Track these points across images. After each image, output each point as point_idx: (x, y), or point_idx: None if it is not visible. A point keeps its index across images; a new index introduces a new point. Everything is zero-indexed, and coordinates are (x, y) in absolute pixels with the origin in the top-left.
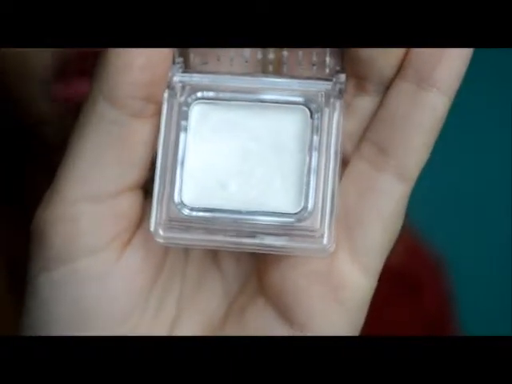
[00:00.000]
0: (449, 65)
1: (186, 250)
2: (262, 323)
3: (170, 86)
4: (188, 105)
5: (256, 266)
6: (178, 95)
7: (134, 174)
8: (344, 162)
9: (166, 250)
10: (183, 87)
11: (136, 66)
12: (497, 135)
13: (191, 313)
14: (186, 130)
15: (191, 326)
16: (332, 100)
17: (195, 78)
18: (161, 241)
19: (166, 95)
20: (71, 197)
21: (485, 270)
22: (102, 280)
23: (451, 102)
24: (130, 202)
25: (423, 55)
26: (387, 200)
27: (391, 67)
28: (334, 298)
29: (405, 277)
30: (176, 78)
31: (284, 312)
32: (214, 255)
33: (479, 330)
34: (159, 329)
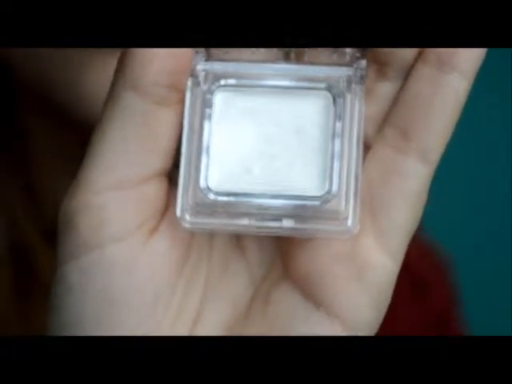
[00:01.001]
0: (469, 49)
1: (211, 237)
2: (288, 306)
3: (193, 74)
4: (211, 92)
5: (280, 251)
6: (202, 83)
7: (159, 161)
8: (367, 146)
9: (192, 237)
10: (206, 75)
11: (160, 55)
12: (501, 136)
13: (217, 299)
14: (209, 117)
15: (217, 312)
16: (353, 86)
17: (218, 66)
18: (187, 226)
19: (189, 83)
20: (98, 185)
21: (490, 270)
22: (129, 267)
23: (471, 85)
24: (155, 189)
25: None
26: (411, 182)
27: (412, 52)
28: (358, 279)
29: (411, 277)
30: (199, 67)
31: (309, 294)
32: (237, 241)
33: (484, 329)
34: (186, 317)
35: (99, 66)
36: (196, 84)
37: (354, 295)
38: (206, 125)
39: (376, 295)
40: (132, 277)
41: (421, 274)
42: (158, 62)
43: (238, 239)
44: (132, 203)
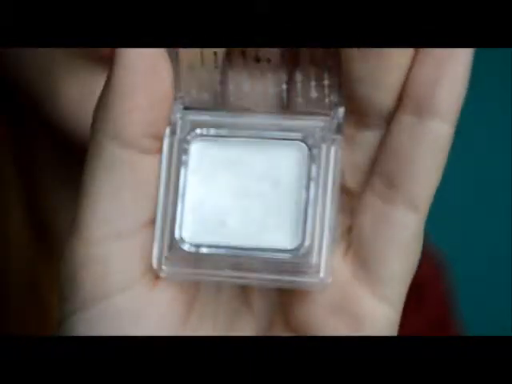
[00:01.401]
0: (447, 90)
1: (217, 289)
2: None
3: (170, 123)
4: (188, 142)
5: (281, 302)
6: (179, 132)
7: (151, 208)
8: (355, 195)
9: (197, 286)
10: (183, 124)
11: (142, 106)
12: (497, 137)
13: None
14: (186, 166)
15: None
16: (330, 135)
17: (194, 115)
18: (163, 276)
19: (167, 131)
20: (97, 237)
21: (486, 270)
22: (136, 316)
23: (454, 126)
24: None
25: (420, 84)
26: (402, 232)
27: (389, 101)
28: (357, 330)
29: None
30: (176, 115)
31: None
32: (243, 292)
33: (480, 330)
34: None
35: (78, 81)
36: (173, 132)
37: None
38: (182, 174)
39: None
40: (139, 326)
41: (416, 274)
42: (140, 115)
43: (243, 290)
44: (134, 251)
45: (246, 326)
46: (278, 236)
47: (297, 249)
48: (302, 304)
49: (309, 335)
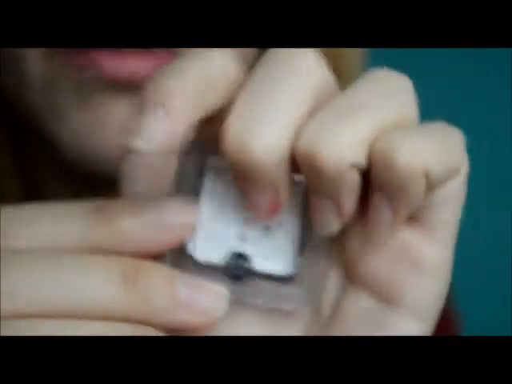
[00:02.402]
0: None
1: None
2: (360, 313)
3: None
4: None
5: (341, 261)
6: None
7: None
8: None
9: None
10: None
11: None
12: (497, 136)
13: None
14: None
15: None
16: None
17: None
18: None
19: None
20: None
21: (486, 270)
22: None
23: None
24: None
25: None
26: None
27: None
28: (418, 270)
29: None
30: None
31: (381, 296)
32: None
33: (480, 330)
34: None
35: (87, 107)
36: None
37: (420, 286)
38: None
39: (438, 281)
40: None
41: None
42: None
43: None
44: None
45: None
46: (270, 263)
47: (288, 275)
48: (366, 260)
49: (376, 285)
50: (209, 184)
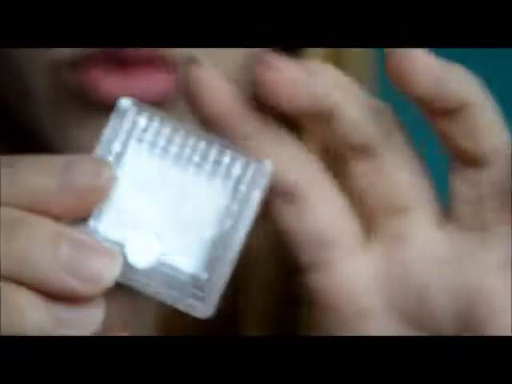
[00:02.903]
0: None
1: None
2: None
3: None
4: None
5: None
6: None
7: None
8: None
9: None
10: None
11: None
12: None
13: None
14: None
15: None
16: (260, 181)
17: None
18: None
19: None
20: None
21: None
22: None
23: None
24: None
25: None
26: None
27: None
28: None
29: None
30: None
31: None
32: None
33: None
34: None
35: (87, 126)
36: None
37: None
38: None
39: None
40: None
41: None
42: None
43: None
44: None
45: None
46: (179, 258)
47: (194, 275)
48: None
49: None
50: (132, 154)
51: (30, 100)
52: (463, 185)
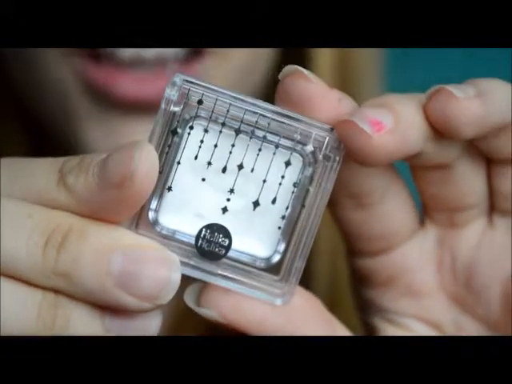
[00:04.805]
0: None
1: None
2: None
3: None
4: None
5: None
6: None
7: None
8: None
9: None
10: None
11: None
12: None
13: None
14: (177, 148)
15: None
16: (333, 152)
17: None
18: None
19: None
20: None
21: None
22: None
23: None
24: None
25: None
26: None
27: None
28: None
29: None
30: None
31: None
32: None
33: None
34: None
35: (100, 122)
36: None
37: None
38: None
39: None
40: None
41: None
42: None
43: None
44: None
45: None
46: (252, 242)
47: (268, 259)
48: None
49: None
50: (190, 135)
51: (46, 90)
52: (503, 182)
